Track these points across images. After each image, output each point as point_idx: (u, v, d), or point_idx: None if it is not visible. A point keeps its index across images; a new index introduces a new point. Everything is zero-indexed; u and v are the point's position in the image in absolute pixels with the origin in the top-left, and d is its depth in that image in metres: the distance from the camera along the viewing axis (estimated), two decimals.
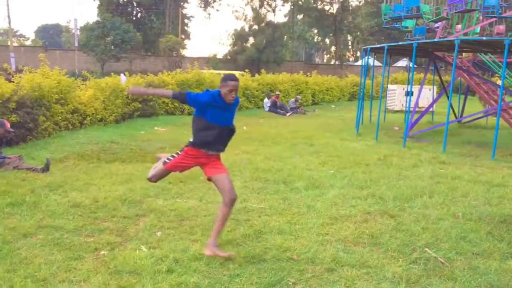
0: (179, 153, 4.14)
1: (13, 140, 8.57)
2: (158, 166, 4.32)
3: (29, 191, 5.65)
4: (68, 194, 5.65)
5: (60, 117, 10.17)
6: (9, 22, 37.21)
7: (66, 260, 3.75)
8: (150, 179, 4.40)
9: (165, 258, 3.80)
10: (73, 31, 43.91)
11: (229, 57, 47.04)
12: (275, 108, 18.39)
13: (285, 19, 56.48)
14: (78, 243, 4.12)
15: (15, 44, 49.19)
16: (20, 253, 3.87)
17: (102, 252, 3.95)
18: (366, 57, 13.18)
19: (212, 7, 53.10)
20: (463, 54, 13.70)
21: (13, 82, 9.37)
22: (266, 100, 18.88)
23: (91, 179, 6.38)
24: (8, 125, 7.24)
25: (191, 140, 4.06)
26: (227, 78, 3.90)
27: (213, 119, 3.92)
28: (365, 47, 12.91)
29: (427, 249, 4.07)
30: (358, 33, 51.16)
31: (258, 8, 48.39)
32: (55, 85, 9.98)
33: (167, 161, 4.18)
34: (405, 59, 36.28)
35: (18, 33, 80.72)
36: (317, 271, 3.62)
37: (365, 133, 11.79)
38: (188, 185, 6.22)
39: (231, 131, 4.11)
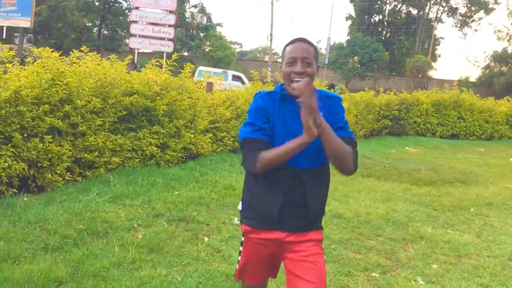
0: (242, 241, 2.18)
1: None
2: None
3: None
4: (329, 203, 5.52)
5: None
6: (271, 40, 41.16)
7: (337, 274, 3.50)
8: None
9: None
10: (324, 49, 46.32)
11: (483, 80, 42.52)
12: None
13: None
14: (346, 258, 3.83)
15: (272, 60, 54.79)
16: None
17: (374, 274, 3.57)
18: None
19: (470, 27, 48.66)
20: None
21: None
22: None
23: (349, 191, 6.16)
24: None
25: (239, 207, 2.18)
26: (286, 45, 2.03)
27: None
28: None
29: None
30: None
31: None
32: None
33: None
34: None
35: (274, 51, 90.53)
36: None
37: None
38: (457, 216, 5.41)
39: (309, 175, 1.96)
